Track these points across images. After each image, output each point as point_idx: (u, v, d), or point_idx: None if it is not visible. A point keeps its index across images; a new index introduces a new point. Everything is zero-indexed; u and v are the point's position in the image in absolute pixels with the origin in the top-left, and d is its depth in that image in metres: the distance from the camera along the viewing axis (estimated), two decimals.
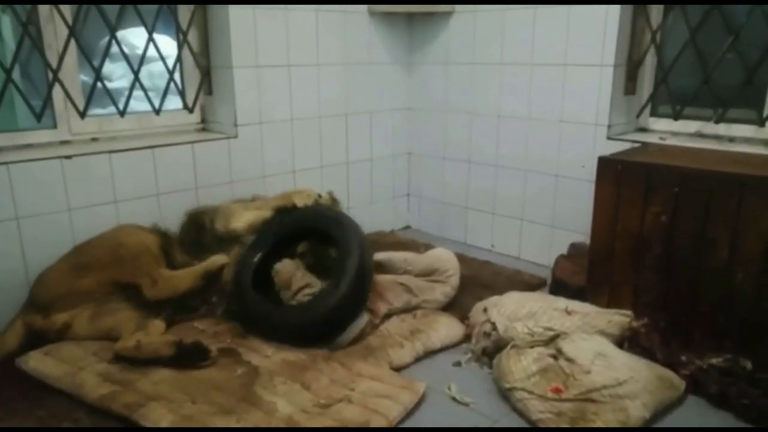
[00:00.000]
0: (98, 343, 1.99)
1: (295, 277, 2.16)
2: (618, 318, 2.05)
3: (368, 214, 2.27)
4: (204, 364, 1.91)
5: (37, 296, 2.07)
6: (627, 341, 2.02)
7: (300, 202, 2.33)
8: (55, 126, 2.43)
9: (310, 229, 2.27)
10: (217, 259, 2.18)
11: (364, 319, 2.12)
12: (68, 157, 2.26)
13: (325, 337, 2.05)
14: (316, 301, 2.04)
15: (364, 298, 2.13)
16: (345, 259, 2.07)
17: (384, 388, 1.80)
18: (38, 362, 1.91)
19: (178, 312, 2.17)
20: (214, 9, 2.63)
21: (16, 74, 2.29)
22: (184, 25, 2.62)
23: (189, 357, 1.91)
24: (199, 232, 2.31)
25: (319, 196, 2.41)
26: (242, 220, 2.28)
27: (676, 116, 2.55)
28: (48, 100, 2.36)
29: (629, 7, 2.51)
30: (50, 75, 2.33)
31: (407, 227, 3.54)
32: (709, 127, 2.50)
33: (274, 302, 2.14)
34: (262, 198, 2.51)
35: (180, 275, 2.15)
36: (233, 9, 2.57)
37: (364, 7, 3.04)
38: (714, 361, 1.87)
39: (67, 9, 2.31)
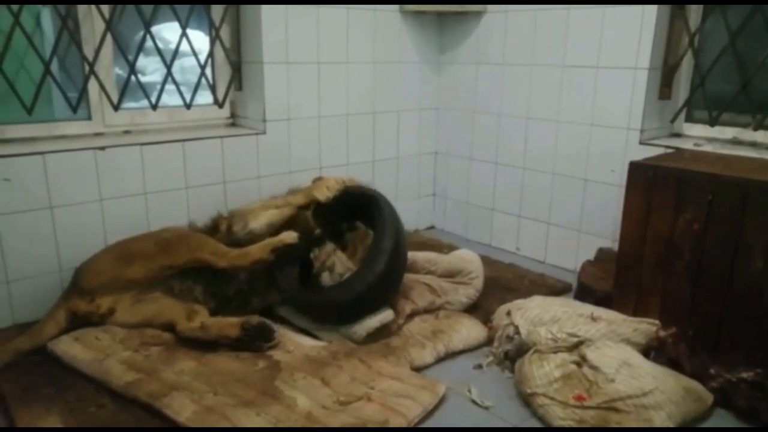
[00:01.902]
0: (124, 331, 2.03)
1: (338, 260, 2.23)
2: (644, 326, 2.01)
3: None
4: (269, 346, 1.97)
5: (83, 282, 2.09)
6: (653, 351, 1.97)
7: (321, 196, 2.27)
8: (89, 118, 2.49)
9: (349, 209, 2.31)
10: (286, 237, 2.13)
11: (389, 314, 2.12)
12: (101, 148, 2.31)
13: (361, 316, 2.09)
14: (354, 279, 2.09)
15: (398, 281, 2.17)
16: (381, 238, 2.09)
17: (404, 388, 1.80)
18: (68, 347, 1.95)
19: (228, 303, 2.17)
20: (247, 6, 2.66)
21: (54, 67, 2.35)
22: (216, 21, 2.65)
23: (254, 338, 1.96)
24: (213, 236, 2.22)
25: (343, 182, 2.34)
26: (260, 220, 2.22)
27: (713, 122, 2.48)
28: (84, 93, 2.42)
29: (666, 10, 2.45)
30: (86, 68, 2.38)
31: (432, 227, 3.53)
32: (747, 134, 2.43)
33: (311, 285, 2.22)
34: (301, 190, 2.47)
35: (250, 247, 2.13)
36: (265, 6, 2.59)
37: (395, 6, 3.03)
38: (744, 374, 1.81)
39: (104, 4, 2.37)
